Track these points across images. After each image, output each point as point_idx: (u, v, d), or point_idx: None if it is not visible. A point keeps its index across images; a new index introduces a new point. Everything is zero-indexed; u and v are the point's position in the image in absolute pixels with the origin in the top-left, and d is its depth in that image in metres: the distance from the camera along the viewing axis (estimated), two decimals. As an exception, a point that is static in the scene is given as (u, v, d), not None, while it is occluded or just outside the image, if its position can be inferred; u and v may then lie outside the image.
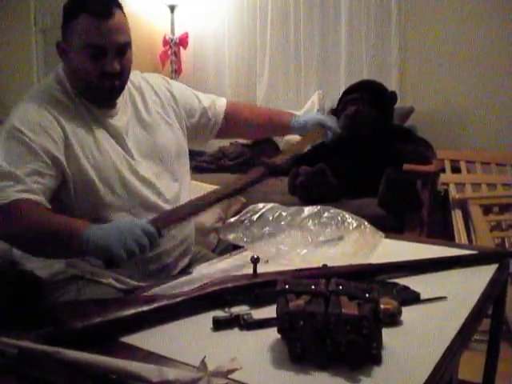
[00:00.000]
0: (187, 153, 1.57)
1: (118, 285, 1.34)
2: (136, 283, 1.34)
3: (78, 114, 1.34)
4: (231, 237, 1.33)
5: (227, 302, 1.01)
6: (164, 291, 1.09)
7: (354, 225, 1.37)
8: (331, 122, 1.61)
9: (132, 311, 0.94)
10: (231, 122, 1.66)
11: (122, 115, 1.41)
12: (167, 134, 1.49)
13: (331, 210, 1.41)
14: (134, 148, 1.40)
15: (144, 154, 1.42)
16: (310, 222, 1.38)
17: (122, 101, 1.41)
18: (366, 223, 1.39)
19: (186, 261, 1.48)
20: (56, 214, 1.24)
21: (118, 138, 1.38)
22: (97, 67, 1.30)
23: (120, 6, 1.33)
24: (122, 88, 1.38)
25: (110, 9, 1.29)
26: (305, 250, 1.27)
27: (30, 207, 1.21)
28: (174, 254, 1.44)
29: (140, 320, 0.94)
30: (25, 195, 1.21)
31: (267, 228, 1.36)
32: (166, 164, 1.46)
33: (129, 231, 1.08)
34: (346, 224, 1.37)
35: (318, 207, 1.42)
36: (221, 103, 1.65)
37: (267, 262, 1.24)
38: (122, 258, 1.05)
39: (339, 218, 1.39)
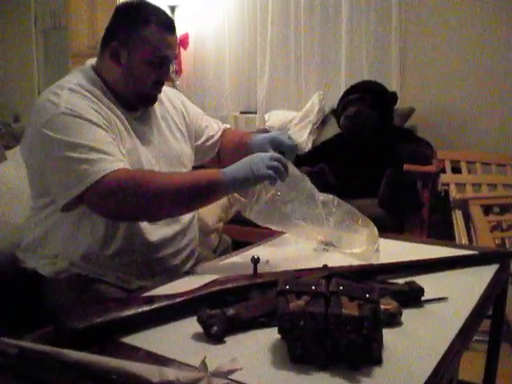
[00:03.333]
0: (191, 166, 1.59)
1: (121, 284, 1.34)
2: (139, 283, 1.34)
3: (110, 110, 1.35)
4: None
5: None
6: (164, 291, 1.09)
7: (364, 222, 1.38)
8: (282, 136, 1.49)
9: (132, 311, 0.94)
10: (220, 153, 1.68)
11: (145, 118, 1.45)
12: (180, 144, 1.52)
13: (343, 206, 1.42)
14: (151, 152, 1.42)
15: (157, 160, 1.43)
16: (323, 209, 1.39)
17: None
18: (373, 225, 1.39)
19: (191, 263, 1.48)
20: (170, 173, 1.35)
21: (143, 141, 1.41)
22: (154, 76, 1.37)
23: None
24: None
25: (174, 24, 1.39)
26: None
27: (143, 174, 1.28)
28: (179, 257, 1.44)
29: (140, 320, 0.94)
30: (122, 164, 1.24)
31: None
32: (175, 171, 1.47)
33: (258, 158, 1.24)
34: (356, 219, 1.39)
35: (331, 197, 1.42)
36: (220, 129, 1.68)
37: (267, 262, 1.24)
38: (269, 174, 1.21)
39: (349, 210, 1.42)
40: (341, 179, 2.85)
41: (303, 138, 3.71)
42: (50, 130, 1.24)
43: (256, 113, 4.35)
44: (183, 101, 1.62)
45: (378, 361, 0.81)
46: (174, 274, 1.36)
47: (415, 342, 0.89)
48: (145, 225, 1.36)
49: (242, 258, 1.34)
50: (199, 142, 1.61)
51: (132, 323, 0.93)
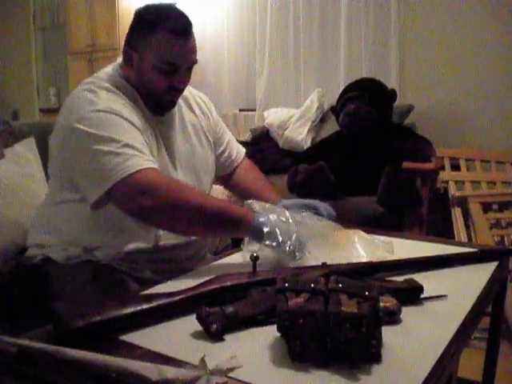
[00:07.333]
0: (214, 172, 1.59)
1: (133, 273, 1.34)
2: (151, 275, 1.35)
3: (142, 112, 1.36)
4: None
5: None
6: (163, 289, 1.09)
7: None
8: (318, 205, 1.44)
9: (131, 309, 0.94)
10: (234, 178, 1.66)
11: (173, 125, 1.44)
12: (206, 151, 1.53)
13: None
14: (176, 158, 1.42)
15: (183, 166, 1.43)
16: None
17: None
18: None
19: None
20: (205, 195, 1.34)
21: (167, 146, 1.40)
22: (166, 82, 1.33)
23: (192, 25, 1.35)
24: (177, 101, 1.42)
25: (188, 29, 1.32)
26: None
27: (180, 183, 1.28)
28: (193, 260, 1.45)
29: (139, 318, 0.94)
30: (153, 165, 1.24)
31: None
32: (199, 178, 1.48)
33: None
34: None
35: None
36: (241, 154, 1.67)
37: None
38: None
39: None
40: (340, 177, 2.84)
41: (302, 136, 3.71)
42: (85, 126, 1.23)
43: (255, 110, 4.35)
44: (210, 106, 1.61)
45: (377, 358, 0.81)
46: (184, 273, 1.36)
47: (414, 339, 0.89)
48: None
49: (241, 256, 1.34)
50: (215, 153, 1.60)
51: (131, 321, 0.93)
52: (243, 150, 1.70)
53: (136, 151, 1.23)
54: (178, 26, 1.30)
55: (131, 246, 1.34)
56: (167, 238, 1.37)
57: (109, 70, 1.40)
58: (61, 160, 1.34)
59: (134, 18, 1.36)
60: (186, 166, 1.44)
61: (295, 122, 3.80)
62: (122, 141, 1.22)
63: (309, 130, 3.73)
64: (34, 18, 5.98)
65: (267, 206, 1.30)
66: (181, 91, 1.40)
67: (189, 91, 1.53)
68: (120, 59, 1.40)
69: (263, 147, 3.81)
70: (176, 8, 1.36)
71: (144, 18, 1.33)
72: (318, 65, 4.05)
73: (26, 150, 1.74)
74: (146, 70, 1.33)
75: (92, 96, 1.28)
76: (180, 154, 1.43)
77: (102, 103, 1.27)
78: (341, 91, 3.30)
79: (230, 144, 1.65)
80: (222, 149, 1.61)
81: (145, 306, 0.95)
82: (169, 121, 1.43)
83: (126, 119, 1.27)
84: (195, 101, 1.55)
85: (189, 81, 1.42)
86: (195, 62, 1.38)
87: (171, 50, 1.30)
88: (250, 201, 1.31)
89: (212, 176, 1.57)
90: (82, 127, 1.23)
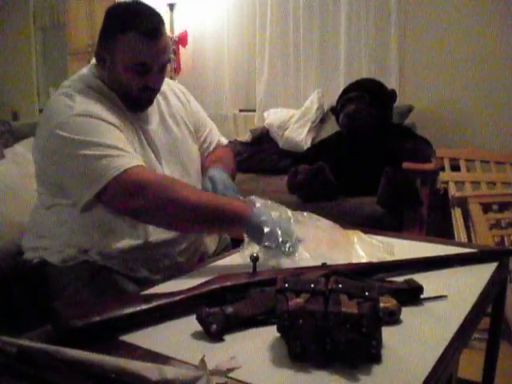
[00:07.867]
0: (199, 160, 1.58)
1: (129, 273, 1.34)
2: (147, 274, 1.35)
3: (121, 110, 1.36)
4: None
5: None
6: (163, 290, 1.09)
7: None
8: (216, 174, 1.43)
9: (131, 310, 0.94)
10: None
11: (151, 119, 1.44)
12: (188, 140, 1.52)
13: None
14: (160, 153, 1.42)
15: (168, 159, 1.43)
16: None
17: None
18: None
19: (195, 260, 1.49)
20: (198, 190, 1.32)
21: (148, 141, 1.40)
22: (139, 82, 1.33)
23: (164, 23, 1.34)
24: (154, 99, 1.41)
25: (159, 29, 1.30)
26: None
27: (172, 179, 1.28)
28: (185, 254, 1.45)
29: (139, 318, 0.94)
30: (140, 162, 1.25)
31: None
32: (186, 169, 1.47)
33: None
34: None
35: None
36: (221, 145, 1.65)
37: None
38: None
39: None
40: (340, 177, 2.84)
41: (302, 136, 3.70)
42: (66, 131, 1.23)
43: (255, 111, 4.35)
44: (187, 95, 1.60)
45: (377, 359, 0.81)
46: (180, 269, 1.36)
47: (414, 340, 0.89)
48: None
49: (241, 256, 1.34)
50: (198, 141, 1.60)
51: (131, 321, 0.93)
52: (224, 142, 1.68)
53: (120, 151, 1.23)
54: (148, 26, 1.28)
55: (121, 245, 1.33)
56: (157, 233, 1.36)
57: (84, 71, 1.40)
58: (44, 167, 1.34)
59: (104, 18, 1.35)
60: (171, 159, 1.44)
61: (295, 122, 3.80)
62: (104, 143, 1.23)
63: (309, 131, 3.73)
64: (33, 18, 5.97)
65: (269, 202, 1.29)
66: (156, 90, 1.39)
67: (166, 83, 1.51)
68: (94, 60, 1.40)
69: (263, 148, 3.81)
70: (146, 6, 1.34)
71: (113, 18, 1.33)
72: (318, 65, 4.05)
73: (26, 151, 1.74)
74: (119, 71, 1.32)
75: (69, 100, 1.28)
76: (163, 147, 1.43)
77: (79, 107, 1.27)
78: (341, 92, 3.30)
79: (210, 135, 1.63)
80: (201, 140, 1.60)
81: (145, 306, 0.95)
82: (147, 116, 1.43)
83: (104, 120, 1.27)
84: (173, 92, 1.54)
85: (163, 79, 1.40)
86: (168, 61, 1.36)
87: (141, 51, 1.29)
88: (252, 197, 1.30)
89: (198, 165, 1.56)
90: (62, 133, 1.24)
